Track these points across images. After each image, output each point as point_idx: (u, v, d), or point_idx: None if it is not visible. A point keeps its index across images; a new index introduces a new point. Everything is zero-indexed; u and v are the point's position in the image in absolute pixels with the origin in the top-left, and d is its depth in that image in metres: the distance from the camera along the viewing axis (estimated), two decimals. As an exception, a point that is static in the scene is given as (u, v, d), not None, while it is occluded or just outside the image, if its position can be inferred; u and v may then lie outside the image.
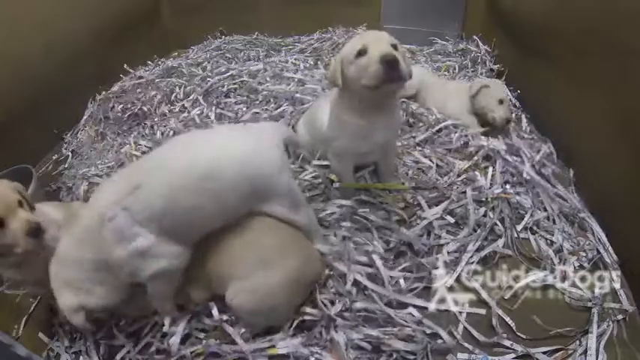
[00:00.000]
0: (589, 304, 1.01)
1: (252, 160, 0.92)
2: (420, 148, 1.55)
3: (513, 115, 1.72)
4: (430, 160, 1.48)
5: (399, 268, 1.11)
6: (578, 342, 0.95)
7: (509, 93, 1.86)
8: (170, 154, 0.94)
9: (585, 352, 0.93)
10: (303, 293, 1.02)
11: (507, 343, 0.96)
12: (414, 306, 1.03)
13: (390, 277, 1.08)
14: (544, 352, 0.94)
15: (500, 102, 1.57)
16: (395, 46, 1.00)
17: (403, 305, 1.03)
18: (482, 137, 1.54)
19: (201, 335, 1.03)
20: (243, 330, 1.00)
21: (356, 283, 1.07)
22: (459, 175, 1.40)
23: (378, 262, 1.10)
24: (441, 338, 0.96)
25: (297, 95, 1.87)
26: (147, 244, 0.87)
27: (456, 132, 1.60)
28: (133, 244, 0.86)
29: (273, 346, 0.96)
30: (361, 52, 0.99)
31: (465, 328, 1.00)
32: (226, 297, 0.96)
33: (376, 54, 0.95)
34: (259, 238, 0.98)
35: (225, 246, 0.97)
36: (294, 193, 1.03)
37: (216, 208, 0.90)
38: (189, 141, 0.99)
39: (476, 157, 1.45)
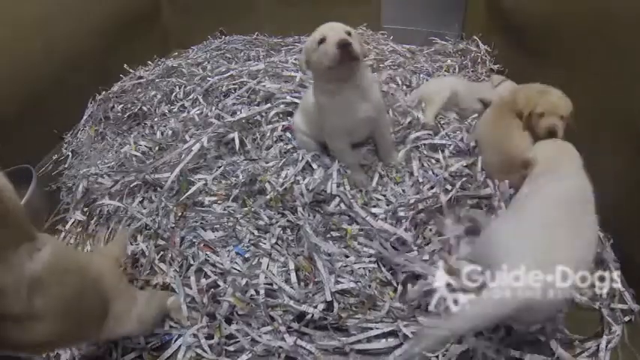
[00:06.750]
0: (593, 305, 1.02)
1: None
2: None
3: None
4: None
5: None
6: (580, 343, 0.96)
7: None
8: None
9: (595, 353, 0.94)
10: None
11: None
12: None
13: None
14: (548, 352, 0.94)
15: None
16: (349, 33, 1.19)
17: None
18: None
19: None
20: None
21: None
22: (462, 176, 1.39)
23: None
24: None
25: (298, 95, 1.86)
26: None
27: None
28: None
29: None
30: (321, 41, 1.17)
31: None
32: None
33: (333, 40, 1.13)
34: None
35: None
36: None
37: None
38: None
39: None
